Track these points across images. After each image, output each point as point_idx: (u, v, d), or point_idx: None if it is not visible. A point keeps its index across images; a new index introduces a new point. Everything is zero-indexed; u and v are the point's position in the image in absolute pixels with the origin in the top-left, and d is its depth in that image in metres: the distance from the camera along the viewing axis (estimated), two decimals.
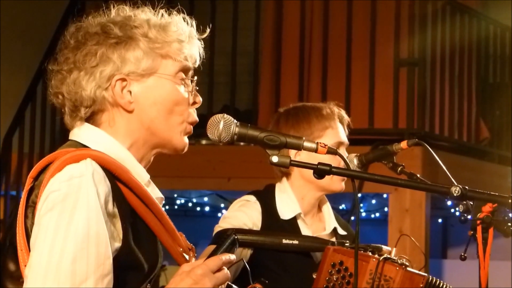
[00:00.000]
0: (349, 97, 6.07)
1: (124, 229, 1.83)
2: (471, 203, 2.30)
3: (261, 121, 6.38)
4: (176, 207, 7.95)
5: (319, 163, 1.98)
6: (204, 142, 6.10)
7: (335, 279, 2.69)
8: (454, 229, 8.35)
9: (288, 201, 2.93)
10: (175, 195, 7.68)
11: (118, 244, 1.82)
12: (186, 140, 2.00)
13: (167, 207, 7.68)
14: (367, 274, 2.63)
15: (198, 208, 8.01)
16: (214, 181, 6.28)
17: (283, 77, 6.43)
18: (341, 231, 2.99)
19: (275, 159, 1.98)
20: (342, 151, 2.91)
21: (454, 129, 6.48)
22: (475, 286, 2.20)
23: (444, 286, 2.72)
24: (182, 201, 7.86)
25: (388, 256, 2.67)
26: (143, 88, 1.93)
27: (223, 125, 1.97)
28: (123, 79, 1.92)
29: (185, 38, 1.98)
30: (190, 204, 7.94)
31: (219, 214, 8.15)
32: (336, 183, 2.92)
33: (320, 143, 1.99)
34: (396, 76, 6.01)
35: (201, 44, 2.03)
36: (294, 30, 6.44)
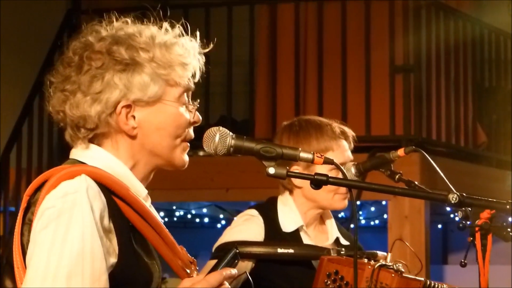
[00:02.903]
0: (345, 105, 6.07)
1: (120, 244, 1.82)
2: (470, 209, 2.30)
3: (258, 130, 6.37)
4: (175, 219, 7.94)
5: (316, 174, 1.97)
6: (201, 153, 6.08)
7: None
8: (454, 235, 8.35)
9: (291, 214, 2.89)
10: (174, 207, 7.67)
11: (114, 260, 1.81)
12: (186, 157, 2.00)
13: (166, 219, 7.67)
14: (363, 281, 2.62)
15: (197, 220, 8.01)
16: (212, 192, 6.27)
17: (279, 86, 6.42)
18: (344, 241, 2.95)
19: (271, 170, 1.97)
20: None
21: (451, 135, 6.48)
22: None
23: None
24: (181, 213, 7.86)
25: (384, 262, 2.65)
26: (147, 114, 1.93)
27: (219, 138, 1.96)
28: (128, 105, 1.91)
29: (189, 61, 1.97)
30: (189, 216, 7.94)
31: (219, 225, 8.15)
32: (337, 202, 2.89)
33: (316, 153, 1.98)
34: (392, 83, 6.00)
35: (203, 59, 2.03)
36: (288, 39, 6.43)
